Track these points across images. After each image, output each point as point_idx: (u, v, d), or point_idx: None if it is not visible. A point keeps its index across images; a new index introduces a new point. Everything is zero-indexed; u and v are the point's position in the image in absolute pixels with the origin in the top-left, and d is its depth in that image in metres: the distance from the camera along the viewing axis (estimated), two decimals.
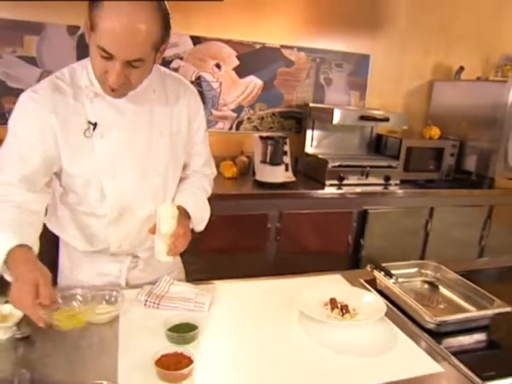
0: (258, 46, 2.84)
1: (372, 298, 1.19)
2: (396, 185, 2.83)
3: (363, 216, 2.70)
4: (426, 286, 1.36)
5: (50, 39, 2.48)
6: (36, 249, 0.98)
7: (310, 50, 2.97)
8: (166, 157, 1.19)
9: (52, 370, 0.88)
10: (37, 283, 0.87)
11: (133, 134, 1.12)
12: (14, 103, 2.59)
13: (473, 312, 1.14)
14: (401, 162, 2.87)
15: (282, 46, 2.90)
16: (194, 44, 2.72)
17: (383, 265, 1.34)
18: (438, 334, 1.08)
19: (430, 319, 1.07)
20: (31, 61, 2.48)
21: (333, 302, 1.16)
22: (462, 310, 1.20)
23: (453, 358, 0.98)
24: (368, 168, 2.74)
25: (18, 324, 1.00)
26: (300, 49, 2.95)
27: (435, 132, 3.03)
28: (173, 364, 0.87)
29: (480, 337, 1.10)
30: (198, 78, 2.80)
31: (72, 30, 2.51)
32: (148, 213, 1.20)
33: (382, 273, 1.30)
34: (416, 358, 0.99)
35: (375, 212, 2.69)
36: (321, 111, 2.80)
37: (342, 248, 2.73)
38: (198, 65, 2.78)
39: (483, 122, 2.96)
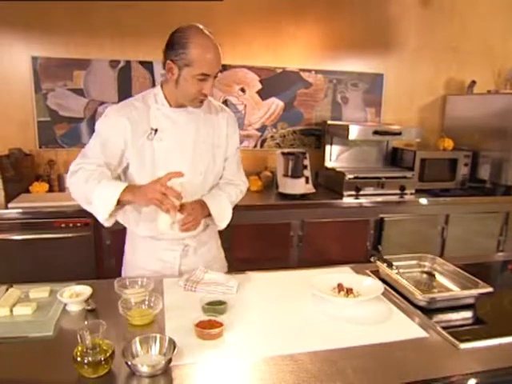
0: (278, 71, 3.13)
1: (372, 282, 1.40)
2: (411, 194, 3.00)
3: (380, 224, 2.88)
4: (425, 275, 1.55)
5: (94, 73, 2.85)
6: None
7: (327, 72, 3.23)
8: (207, 161, 1.51)
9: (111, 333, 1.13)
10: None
11: (182, 139, 1.46)
12: (65, 130, 3.00)
13: (458, 292, 1.33)
14: (415, 172, 3.05)
15: (301, 70, 3.17)
16: (221, 71, 3.02)
17: (385, 257, 1.54)
18: (429, 311, 1.27)
19: (420, 297, 1.26)
20: (79, 92, 2.85)
21: (340, 286, 1.37)
22: (451, 292, 1.38)
23: (437, 326, 1.17)
24: (383, 179, 2.93)
25: (87, 300, 1.27)
26: (317, 71, 3.21)
27: (449, 143, 3.20)
28: (207, 327, 1.11)
29: (466, 313, 1.28)
30: (225, 101, 3.09)
31: (113, 63, 2.87)
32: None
33: (385, 264, 1.50)
34: (406, 327, 1.19)
35: (391, 220, 2.87)
36: (338, 128, 3.03)
37: (361, 254, 2.90)
38: (225, 90, 3.09)
39: (495, 132, 3.11)
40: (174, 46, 1.33)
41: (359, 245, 2.91)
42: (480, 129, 3.22)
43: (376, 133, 2.87)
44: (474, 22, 3.44)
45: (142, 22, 2.85)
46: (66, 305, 1.26)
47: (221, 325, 1.13)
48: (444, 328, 1.18)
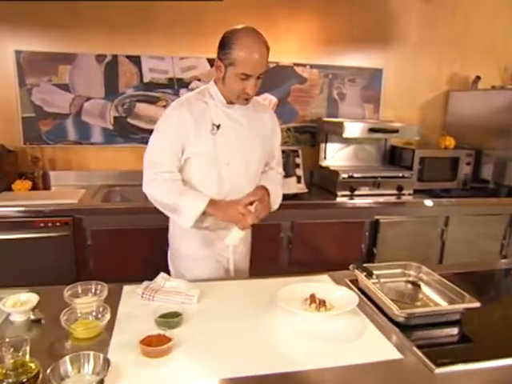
0: (271, 65, 3.00)
1: (347, 293, 1.28)
2: (409, 194, 2.86)
3: (375, 226, 2.75)
4: (410, 285, 1.43)
5: (80, 67, 2.76)
6: None
7: (323, 66, 3.10)
8: (260, 152, 1.62)
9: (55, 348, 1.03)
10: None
11: (240, 134, 1.56)
12: (50, 126, 2.89)
13: (439, 307, 1.20)
14: (414, 172, 2.90)
15: (295, 64, 3.05)
16: (211, 65, 2.92)
17: (365, 265, 1.42)
18: (408, 327, 1.15)
19: (398, 312, 1.14)
20: (64, 87, 2.77)
21: (312, 298, 1.25)
22: (436, 305, 1.25)
23: (413, 346, 1.05)
24: (379, 178, 2.80)
25: (34, 309, 1.17)
26: (313, 66, 3.08)
27: (450, 142, 3.05)
28: (154, 343, 1.01)
29: (449, 330, 1.16)
30: None
31: (100, 58, 2.78)
32: (244, 193, 1.57)
33: (364, 273, 1.38)
34: (380, 346, 1.07)
35: (387, 221, 2.74)
36: (333, 125, 2.90)
37: (356, 257, 2.77)
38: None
39: (499, 130, 2.95)
40: (222, 46, 1.42)
41: (353, 247, 2.78)
42: (484, 126, 3.06)
43: (372, 130, 2.73)
44: (478, 15, 3.28)
45: (129, 16, 2.75)
46: (9, 314, 1.16)
47: (169, 340, 1.02)
48: (422, 347, 1.06)
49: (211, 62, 2.91)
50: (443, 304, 1.27)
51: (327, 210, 2.69)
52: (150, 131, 2.87)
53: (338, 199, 2.72)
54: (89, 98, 2.81)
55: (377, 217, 2.74)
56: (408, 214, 2.79)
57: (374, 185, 2.81)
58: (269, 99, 3.05)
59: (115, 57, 2.79)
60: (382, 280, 1.38)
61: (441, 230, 2.85)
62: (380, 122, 2.96)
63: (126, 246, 2.45)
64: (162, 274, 1.35)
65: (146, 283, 1.32)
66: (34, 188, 2.68)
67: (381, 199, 2.77)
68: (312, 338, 1.11)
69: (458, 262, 2.85)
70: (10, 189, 2.58)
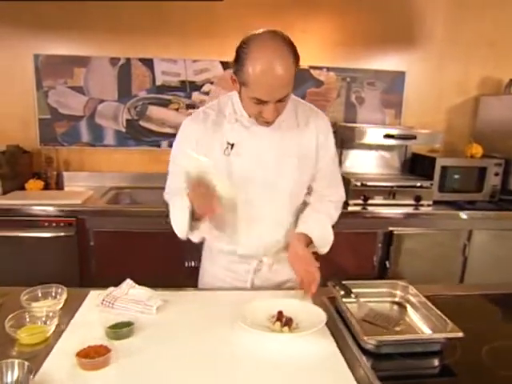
0: None
1: (315, 312, 1.17)
2: (428, 205, 2.68)
3: (389, 237, 2.59)
4: (396, 306, 1.29)
5: (94, 70, 2.80)
6: None
7: (340, 69, 2.98)
8: (292, 177, 1.34)
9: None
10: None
11: (263, 155, 1.30)
12: (65, 128, 2.94)
13: (414, 335, 1.06)
14: (435, 181, 2.71)
15: (311, 67, 2.95)
16: (224, 68, 2.88)
17: (348, 282, 1.30)
18: (378, 356, 1.03)
19: (365, 338, 1.02)
20: (79, 90, 2.82)
21: (279, 315, 1.16)
22: (416, 332, 1.12)
23: (377, 380, 0.93)
24: (395, 188, 2.63)
25: None
26: (330, 69, 2.97)
27: (477, 150, 2.83)
28: (92, 354, 0.95)
29: (426, 362, 1.02)
30: None
31: (113, 61, 2.80)
32: (269, 225, 1.37)
33: (342, 291, 1.27)
34: (338, 378, 0.96)
35: (402, 233, 2.57)
36: (347, 130, 2.77)
37: (367, 269, 2.63)
38: (228, 88, 2.92)
39: None
40: (236, 57, 1.15)
41: (365, 259, 2.63)
42: None
43: (387, 136, 2.58)
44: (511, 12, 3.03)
45: (142, 19, 2.77)
46: None
47: (107, 352, 0.96)
48: (388, 380, 0.93)
49: (224, 64, 2.87)
50: (427, 331, 1.13)
51: (338, 219, 2.56)
52: (162, 134, 2.93)
53: (350, 208, 2.59)
54: (102, 101, 2.85)
55: (391, 228, 2.58)
56: (426, 226, 2.61)
57: (389, 194, 2.65)
58: None
59: (128, 60, 2.81)
60: (361, 300, 1.26)
61: (463, 244, 2.64)
62: (397, 128, 2.79)
63: (129, 248, 2.44)
64: (128, 281, 1.30)
65: (110, 289, 1.27)
66: (47, 188, 2.73)
67: (396, 209, 2.60)
68: (269, 363, 1.01)
69: (481, 281, 2.63)
70: (23, 188, 2.65)
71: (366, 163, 2.94)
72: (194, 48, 2.84)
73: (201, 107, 1.39)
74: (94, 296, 1.28)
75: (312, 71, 2.95)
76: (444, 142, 3.09)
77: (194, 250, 2.37)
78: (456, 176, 2.75)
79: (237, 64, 1.14)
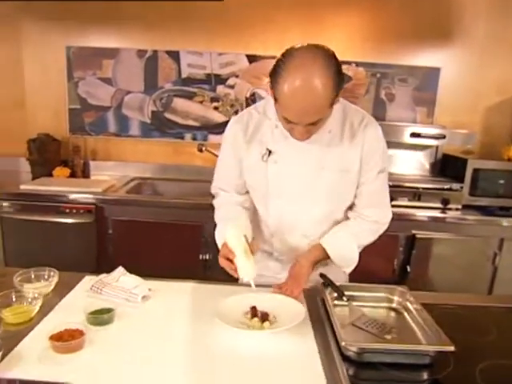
0: None
1: (294, 306, 1.13)
2: (457, 210, 2.53)
3: (411, 241, 2.47)
4: (393, 313, 1.22)
5: (122, 62, 2.86)
6: (248, 230, 1.25)
7: (370, 64, 2.86)
8: (329, 192, 1.27)
9: None
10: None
11: (300, 165, 1.25)
12: (93, 118, 3.01)
13: (397, 345, 0.98)
14: (466, 185, 2.55)
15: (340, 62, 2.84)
16: (250, 62, 2.85)
17: (342, 284, 1.24)
18: (360, 364, 0.96)
19: (344, 344, 0.96)
20: (107, 81, 2.88)
21: (253, 310, 1.12)
22: (407, 342, 1.04)
23: None
24: (421, 189, 2.50)
25: None
26: (359, 64, 2.86)
27: None
28: (65, 338, 0.96)
29: (413, 375, 0.94)
30: (253, 94, 2.91)
31: (141, 53, 2.84)
32: (303, 238, 1.34)
33: (335, 293, 1.21)
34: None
35: (425, 237, 2.44)
36: None
37: (387, 273, 2.52)
38: (253, 82, 2.90)
39: None
40: (272, 70, 1.07)
41: (385, 263, 2.53)
42: None
43: (414, 135, 2.45)
44: None
45: (169, 12, 2.78)
46: None
47: (81, 336, 0.97)
48: None
49: (250, 58, 2.84)
50: (420, 341, 1.05)
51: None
52: (186, 126, 2.95)
53: None
54: (129, 92, 2.90)
55: (414, 231, 2.46)
56: (452, 231, 2.46)
57: (414, 196, 2.52)
58: None
59: (155, 52, 2.84)
60: (356, 303, 1.19)
61: (493, 253, 2.47)
62: (427, 126, 2.65)
63: (146, 238, 2.48)
64: (119, 269, 1.31)
65: (102, 276, 1.28)
66: (73, 176, 2.82)
67: (421, 212, 2.47)
68: (243, 359, 0.98)
69: None
70: (51, 175, 2.75)
71: (392, 162, 2.81)
72: (220, 41, 2.83)
73: (249, 107, 1.36)
74: (87, 281, 1.29)
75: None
76: (480, 143, 2.92)
77: (210, 244, 2.38)
78: (489, 179, 2.57)
79: (272, 77, 1.06)
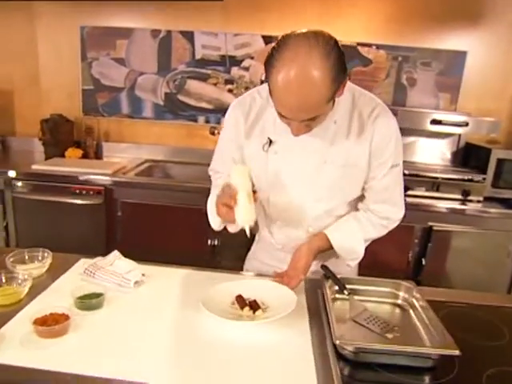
0: None
1: (286, 294, 1.08)
2: (478, 202, 2.40)
3: (428, 233, 2.37)
4: (398, 309, 1.14)
5: (136, 42, 2.80)
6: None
7: (392, 47, 2.73)
8: (331, 186, 1.18)
9: None
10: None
11: (302, 158, 1.16)
12: (106, 99, 2.99)
13: (399, 346, 0.90)
14: (488, 176, 2.42)
15: (359, 44, 2.73)
16: (266, 43, 2.75)
17: (342, 276, 1.17)
18: (356, 364, 0.90)
19: (337, 342, 0.89)
20: (121, 61, 2.84)
21: (239, 299, 1.08)
22: (410, 343, 0.97)
23: None
24: (440, 179, 2.39)
25: None
26: (380, 46, 2.73)
27: None
28: (49, 322, 0.93)
29: (412, 379, 0.87)
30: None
31: (154, 33, 2.78)
32: (305, 232, 1.27)
33: (336, 286, 1.14)
34: (299, 381, 0.85)
35: (442, 230, 2.34)
36: None
37: (401, 264, 2.43)
38: None
39: None
40: (267, 57, 0.94)
41: (399, 254, 2.43)
42: None
43: (434, 122, 2.33)
44: None
45: None
46: None
47: (65, 320, 0.93)
48: None
49: (266, 39, 2.74)
50: (425, 342, 0.98)
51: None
52: (199, 109, 2.89)
53: None
54: (142, 73, 2.85)
55: (431, 223, 2.36)
56: (472, 224, 2.34)
57: (432, 186, 2.41)
58: None
59: (169, 32, 2.78)
60: (358, 298, 1.13)
61: None
62: (449, 113, 2.51)
63: (155, 221, 2.45)
64: (115, 252, 1.27)
65: (97, 259, 1.25)
66: (86, 157, 2.81)
67: (439, 203, 2.36)
68: (230, 349, 0.93)
69: None
70: (63, 155, 2.75)
71: (410, 150, 2.69)
72: (235, 21, 2.74)
73: (253, 89, 1.25)
74: (82, 264, 1.26)
75: (359, 48, 2.73)
76: (506, 132, 2.76)
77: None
78: None
79: (266, 67, 0.95)
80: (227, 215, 1.07)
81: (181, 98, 2.89)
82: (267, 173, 1.20)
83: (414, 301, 1.12)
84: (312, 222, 1.25)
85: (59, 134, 2.75)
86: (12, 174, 2.41)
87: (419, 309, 1.08)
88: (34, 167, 2.44)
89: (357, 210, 1.28)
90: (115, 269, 1.18)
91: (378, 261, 2.36)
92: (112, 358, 0.89)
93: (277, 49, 0.92)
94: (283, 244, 1.33)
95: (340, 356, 0.91)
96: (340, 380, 0.84)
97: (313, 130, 1.05)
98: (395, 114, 2.35)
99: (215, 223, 1.23)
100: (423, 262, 2.38)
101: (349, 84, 1.10)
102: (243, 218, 1.04)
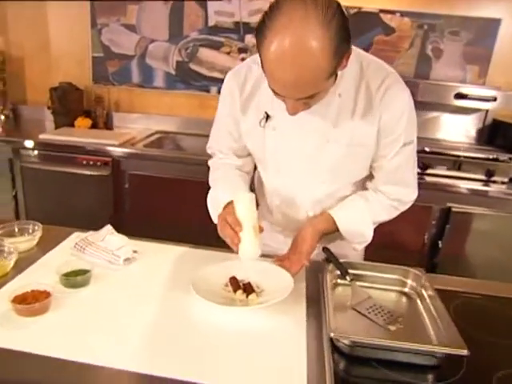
0: (352, 11, 2.55)
1: (282, 276, 1.01)
2: (503, 183, 2.25)
3: (446, 214, 2.24)
4: (404, 298, 1.06)
5: (147, 7, 2.69)
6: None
7: (417, 14, 2.53)
8: (333, 167, 1.08)
9: None
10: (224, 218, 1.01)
11: (301, 136, 1.06)
12: (117, 67, 2.90)
13: (399, 342, 0.82)
14: None
15: (381, 11, 2.54)
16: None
17: (346, 260, 1.09)
18: (352, 358, 0.83)
19: (332, 335, 0.82)
20: (131, 28, 2.74)
21: (232, 281, 1.01)
22: (413, 339, 0.89)
23: None
24: (462, 158, 2.24)
25: None
26: (404, 13, 2.54)
27: None
28: (29, 300, 0.89)
29: (412, 378, 0.80)
30: None
31: None
32: (305, 214, 1.18)
33: (337, 270, 1.06)
34: (287, 373, 0.79)
35: (462, 212, 2.21)
36: (411, 85, 2.37)
37: (416, 245, 2.33)
38: None
39: None
40: (258, 23, 0.81)
41: (415, 235, 2.33)
42: None
43: (458, 96, 2.17)
44: None
45: None
46: None
47: (45, 298, 0.89)
48: None
49: None
50: (430, 337, 0.90)
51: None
52: (211, 79, 2.78)
53: None
54: (153, 41, 2.75)
55: (450, 204, 2.23)
56: (495, 207, 2.21)
57: (454, 164, 2.27)
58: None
59: None
60: (360, 284, 1.05)
61: None
62: (475, 87, 2.34)
63: (163, 194, 2.40)
64: (108, 227, 1.22)
65: (89, 233, 1.20)
66: (95, 127, 2.76)
67: (460, 183, 2.23)
68: (220, 336, 0.87)
69: None
70: (72, 125, 2.70)
71: (432, 127, 2.54)
72: None
73: (249, 58, 1.14)
74: (74, 238, 1.21)
75: (382, 15, 2.55)
76: None
77: None
78: None
79: (256, 36, 0.81)
80: (233, 239, 0.98)
81: (193, 66, 2.78)
82: (264, 151, 1.11)
83: (423, 290, 1.03)
84: (312, 206, 1.16)
85: (68, 103, 2.69)
86: (20, 143, 2.38)
87: (427, 299, 0.99)
88: (42, 137, 2.40)
89: (365, 189, 1.18)
90: (106, 244, 1.13)
91: (392, 241, 2.26)
92: (91, 341, 0.84)
93: (268, 14, 0.79)
94: (283, 226, 1.26)
95: (336, 348, 0.84)
96: (332, 375, 0.77)
97: (314, 106, 0.93)
98: (417, 86, 2.21)
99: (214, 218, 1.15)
100: (439, 245, 2.27)
101: (356, 51, 0.98)
102: (250, 252, 0.98)
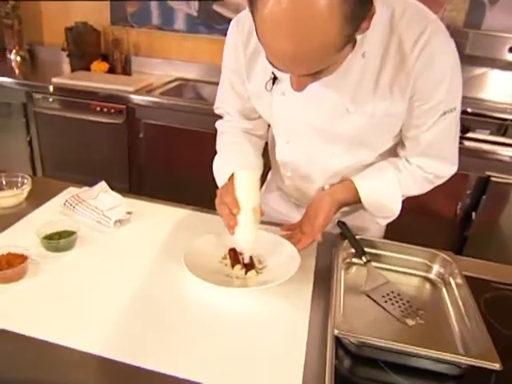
0: None
1: (290, 252, 0.89)
2: None
3: (484, 184, 2.04)
4: (428, 285, 0.92)
5: None
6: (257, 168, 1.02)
7: None
8: (353, 140, 0.93)
9: None
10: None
11: (316, 104, 0.89)
12: (136, 7, 2.69)
13: (415, 347, 0.68)
14: None
15: None
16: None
17: (362, 237, 0.95)
18: (358, 358, 0.71)
19: (336, 332, 0.69)
20: None
21: (232, 253, 0.90)
22: (434, 340, 0.75)
23: None
24: (508, 121, 2.00)
25: None
26: None
27: None
28: (2, 264, 0.81)
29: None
30: None
31: None
32: (317, 187, 1.05)
33: (352, 248, 0.92)
34: (283, 370, 0.68)
35: (502, 182, 2.00)
36: (459, 36, 2.09)
37: (447, 214, 2.15)
38: None
39: None
40: None
41: (446, 204, 2.14)
42: None
43: None
44: None
45: None
46: None
47: (21, 263, 0.80)
48: None
49: None
50: (455, 339, 0.76)
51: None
52: None
53: None
54: None
55: (489, 173, 2.01)
56: None
57: (499, 129, 2.03)
58: None
59: None
60: (377, 265, 0.91)
61: None
62: None
63: (180, 147, 2.28)
64: (102, 183, 1.11)
65: (83, 189, 1.10)
66: (113, 71, 2.62)
67: (503, 151, 1.99)
68: (213, 317, 0.77)
69: None
70: (88, 68, 2.57)
71: (477, 84, 2.26)
72: None
73: None
74: (65, 194, 1.12)
75: None
76: None
77: None
78: None
79: (250, 5, 0.64)
80: (228, 221, 0.86)
81: (216, 8, 2.55)
82: (272, 118, 0.96)
83: (451, 278, 0.88)
84: (327, 180, 1.01)
85: (84, 45, 2.55)
86: (34, 86, 2.28)
87: (455, 289, 0.85)
88: (54, 80, 2.28)
89: (395, 156, 1.00)
90: (98, 204, 1.03)
91: (420, 209, 2.08)
92: (59, 317, 0.75)
93: None
94: (296, 198, 1.11)
95: (340, 343, 0.73)
96: (333, 374, 0.66)
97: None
98: (466, 37, 1.93)
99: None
100: (473, 217, 2.08)
101: None
102: (245, 238, 0.85)
